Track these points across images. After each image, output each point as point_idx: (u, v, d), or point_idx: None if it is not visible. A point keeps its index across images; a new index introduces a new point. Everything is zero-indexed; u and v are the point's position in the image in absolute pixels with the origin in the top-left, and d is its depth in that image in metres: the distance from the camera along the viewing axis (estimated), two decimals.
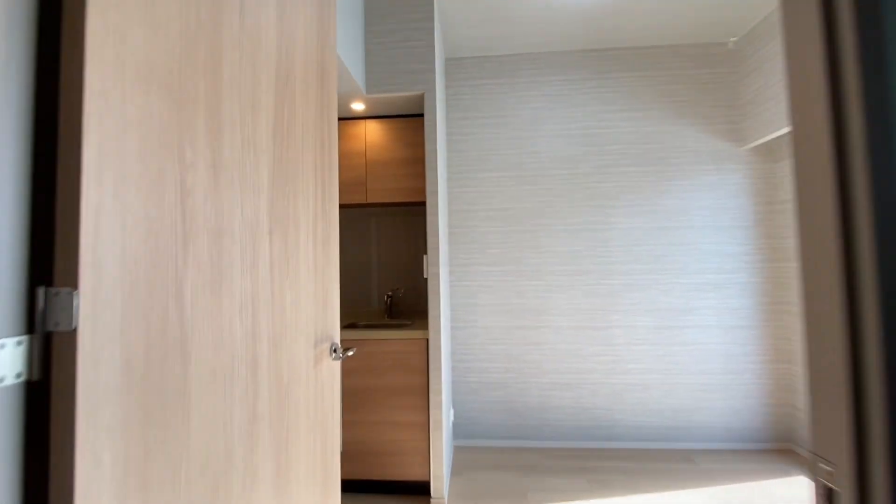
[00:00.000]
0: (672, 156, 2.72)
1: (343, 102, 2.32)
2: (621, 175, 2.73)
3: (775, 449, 2.59)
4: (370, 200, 2.49)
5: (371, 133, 2.51)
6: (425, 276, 2.15)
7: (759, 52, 2.53)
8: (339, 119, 2.55)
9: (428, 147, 2.14)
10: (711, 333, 2.66)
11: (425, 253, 2.68)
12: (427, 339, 2.16)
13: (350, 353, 1.20)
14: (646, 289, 2.69)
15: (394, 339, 2.19)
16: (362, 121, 2.52)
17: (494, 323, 2.76)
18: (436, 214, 2.13)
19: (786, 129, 2.37)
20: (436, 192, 2.13)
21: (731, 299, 2.66)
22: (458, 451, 2.65)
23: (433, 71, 2.16)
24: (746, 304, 2.66)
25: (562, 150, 2.77)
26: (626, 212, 2.72)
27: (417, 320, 2.57)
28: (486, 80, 2.83)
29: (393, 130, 2.51)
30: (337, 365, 1.21)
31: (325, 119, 1.16)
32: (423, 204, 2.65)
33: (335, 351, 1.16)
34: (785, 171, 2.58)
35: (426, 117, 2.15)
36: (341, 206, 2.71)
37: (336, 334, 1.21)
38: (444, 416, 2.15)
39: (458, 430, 2.75)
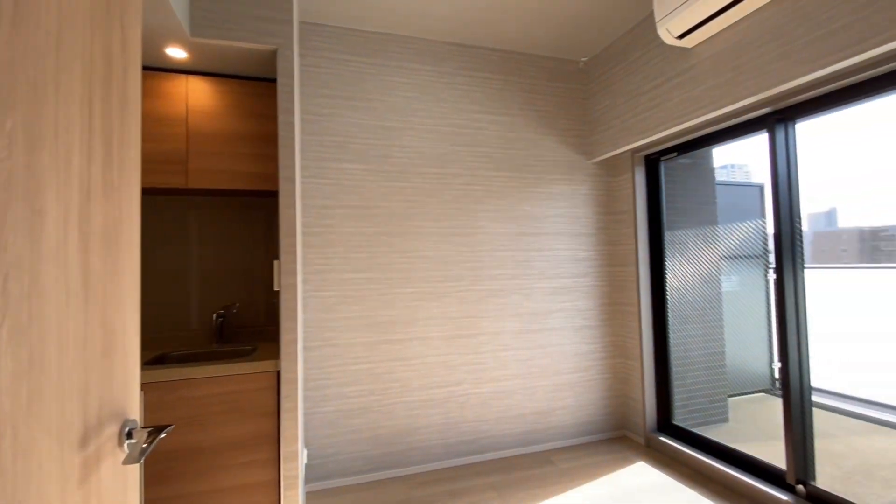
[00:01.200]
0: (532, 164, 2.77)
1: (151, 44, 1.64)
2: (489, 179, 2.66)
3: (615, 437, 2.85)
4: (192, 185, 1.84)
5: (197, 94, 1.86)
6: (276, 288, 1.65)
7: (605, 74, 2.76)
8: (145, 68, 1.82)
9: (283, 119, 1.65)
10: (565, 335, 2.79)
11: (276, 257, 2.14)
12: (278, 371, 1.66)
13: (163, 435, 0.70)
14: (510, 294, 2.67)
15: (229, 374, 1.62)
16: (183, 76, 1.85)
17: (357, 339, 2.37)
18: (293, 207, 1.66)
19: (625, 148, 2.63)
20: (293, 180, 1.66)
21: (580, 301, 2.84)
22: (311, 498, 2.17)
23: (291, 23, 1.68)
24: (592, 306, 2.87)
25: (432, 147, 2.55)
26: (493, 216, 2.66)
27: (261, 345, 2.02)
28: (351, 56, 2.43)
29: (229, 95, 1.91)
30: (133, 469, 0.70)
31: (113, 55, 0.65)
32: (268, 194, 2.10)
33: (130, 437, 0.66)
34: (622, 185, 2.87)
35: (281, 81, 1.66)
36: (146, 191, 1.95)
37: (132, 405, 0.71)
38: (300, 468, 1.68)
39: (312, 472, 2.26)
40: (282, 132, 1.64)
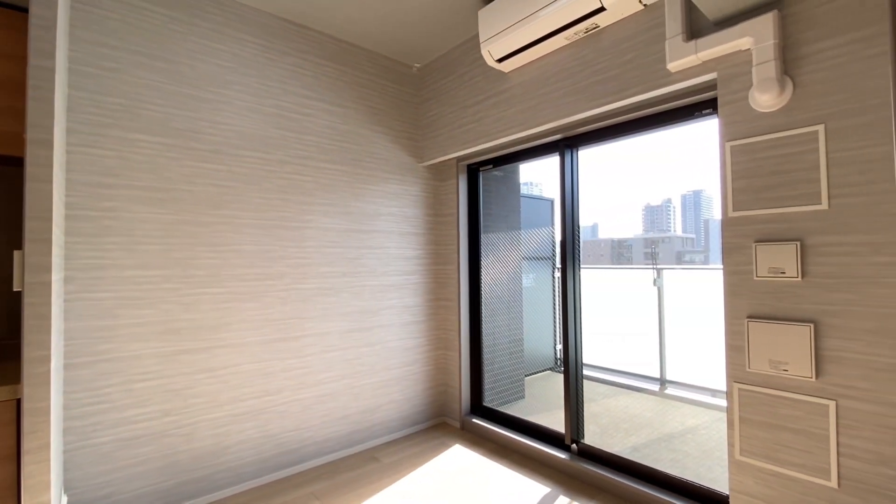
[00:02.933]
0: (365, 160, 2.74)
1: None
2: (319, 170, 2.52)
3: (436, 425, 3.04)
4: None
5: None
6: (16, 288, 1.22)
7: (436, 83, 2.92)
8: None
9: (36, 63, 1.23)
10: (392, 331, 2.85)
11: (18, 247, 1.61)
12: (19, 400, 1.23)
13: None
14: (339, 292, 2.59)
15: None
16: None
17: (146, 350, 1.94)
18: (49, 181, 1.25)
19: (451, 156, 2.83)
20: (49, 145, 1.25)
21: (408, 298, 2.94)
22: None
23: None
24: (419, 302, 3.00)
25: (254, 129, 2.28)
26: (324, 210, 2.53)
27: None
28: (152, 6, 1.98)
29: None
30: None
31: None
32: (9, 161, 1.56)
33: None
34: (448, 190, 3.08)
35: (35, 12, 1.23)
36: None
37: None
38: None
39: None
40: (33, 80, 1.21)
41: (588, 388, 4.18)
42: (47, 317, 1.24)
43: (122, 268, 1.89)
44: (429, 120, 2.97)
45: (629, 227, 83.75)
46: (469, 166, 3.04)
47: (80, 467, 1.78)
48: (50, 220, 1.25)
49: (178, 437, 2.01)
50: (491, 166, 2.92)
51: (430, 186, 3.11)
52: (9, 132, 1.44)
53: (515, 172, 3.81)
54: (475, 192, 3.06)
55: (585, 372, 4.43)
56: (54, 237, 1.30)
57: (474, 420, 2.88)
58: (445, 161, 3.06)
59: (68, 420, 1.76)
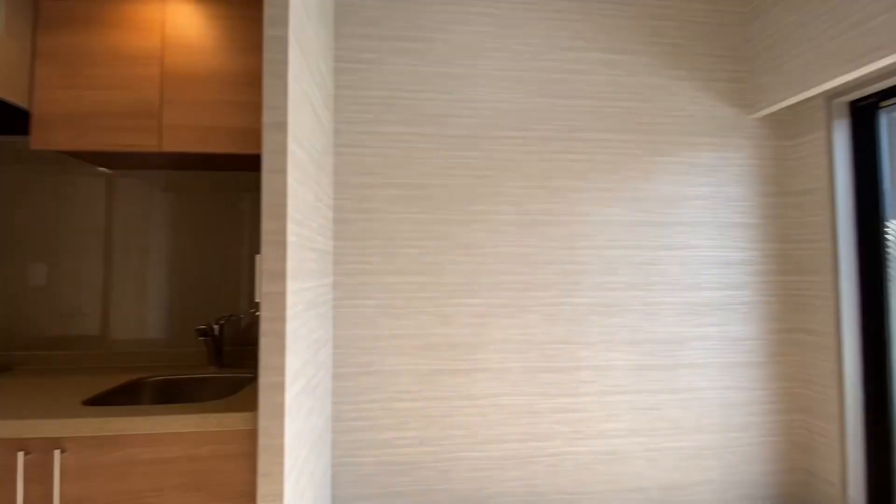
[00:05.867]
0: (660, 121, 1.90)
1: None
2: (593, 144, 1.86)
3: None
4: (167, 147, 1.32)
5: (179, 22, 1.35)
6: (257, 298, 1.05)
7: None
8: None
9: (271, 34, 1.05)
10: (708, 375, 1.88)
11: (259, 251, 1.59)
12: (254, 430, 1.06)
13: None
14: (625, 311, 1.84)
15: (180, 431, 1.05)
16: None
17: (405, 366, 1.73)
18: (283, 172, 1.05)
19: (815, 90, 1.65)
20: (283, 128, 1.05)
21: (733, 325, 1.90)
22: None
23: None
24: (752, 333, 1.91)
25: (512, 101, 1.82)
26: (599, 198, 1.85)
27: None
28: None
29: (219, 20, 1.37)
30: None
31: None
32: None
33: None
34: (806, 151, 1.87)
35: None
36: (108, 160, 1.50)
37: None
38: None
39: None
40: (268, 54, 1.05)
41: None
42: (282, 334, 1.03)
43: (381, 273, 1.73)
44: (769, 41, 1.86)
45: None
46: (856, 104, 1.76)
47: (343, 486, 1.67)
48: (284, 217, 1.04)
49: (435, 471, 1.72)
50: None
51: (769, 149, 1.97)
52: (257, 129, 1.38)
53: None
54: (869, 148, 1.74)
55: None
56: (294, 238, 1.10)
57: None
58: (802, 103, 1.87)
59: (336, 433, 1.68)
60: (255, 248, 1.70)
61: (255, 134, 1.35)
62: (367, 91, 1.75)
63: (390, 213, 1.74)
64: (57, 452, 1.02)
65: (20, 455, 1.01)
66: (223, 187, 1.68)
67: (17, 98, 1.27)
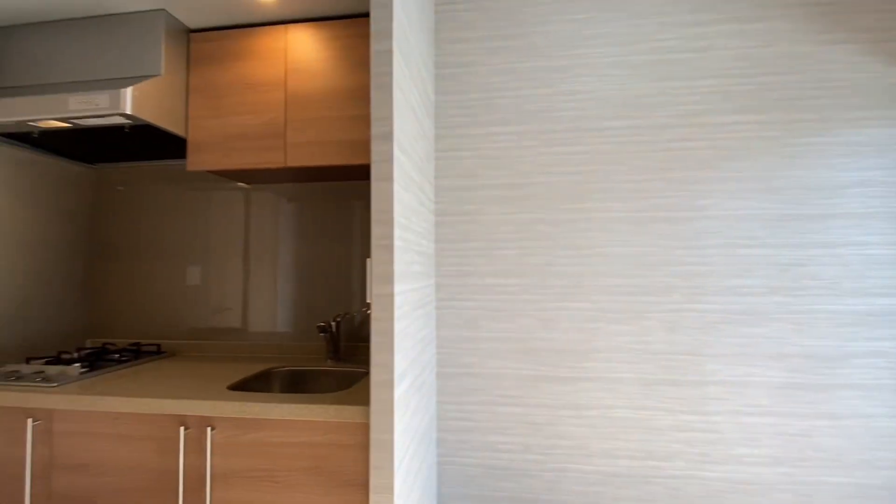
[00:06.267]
0: (808, 95, 1.60)
1: None
2: (720, 129, 1.63)
3: None
4: (291, 162, 1.47)
5: (297, 47, 1.50)
6: (368, 299, 1.11)
7: None
8: (238, 26, 1.54)
9: (378, 48, 1.10)
10: (878, 400, 1.53)
11: (369, 255, 1.68)
12: (367, 424, 1.12)
13: None
14: (766, 321, 1.58)
15: (305, 419, 1.15)
16: (281, 27, 1.51)
17: (506, 370, 1.70)
18: (390, 179, 1.09)
19: None
20: (389, 138, 1.09)
21: None
22: None
23: None
24: None
25: (620, 89, 1.69)
26: (728, 189, 1.62)
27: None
28: None
29: (332, 41, 1.49)
30: None
31: None
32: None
33: None
34: None
35: (375, 14, 1.11)
36: (242, 177, 1.70)
37: None
38: None
39: None
40: (375, 67, 1.10)
41: None
42: (391, 333, 1.07)
43: (482, 275, 1.72)
44: None
45: None
46: None
47: (447, 485, 1.70)
48: (391, 223, 1.08)
49: (541, 480, 1.66)
50: None
51: None
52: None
53: None
54: None
55: None
56: (399, 242, 1.14)
57: None
58: None
59: (441, 431, 1.71)
60: (366, 251, 1.81)
61: (365, 145, 1.43)
62: (465, 94, 1.76)
63: (489, 215, 1.72)
64: (209, 429, 1.19)
65: (181, 429, 1.20)
66: (338, 196, 1.82)
67: (176, 128, 1.52)
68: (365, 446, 1.13)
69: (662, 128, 1.65)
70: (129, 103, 1.32)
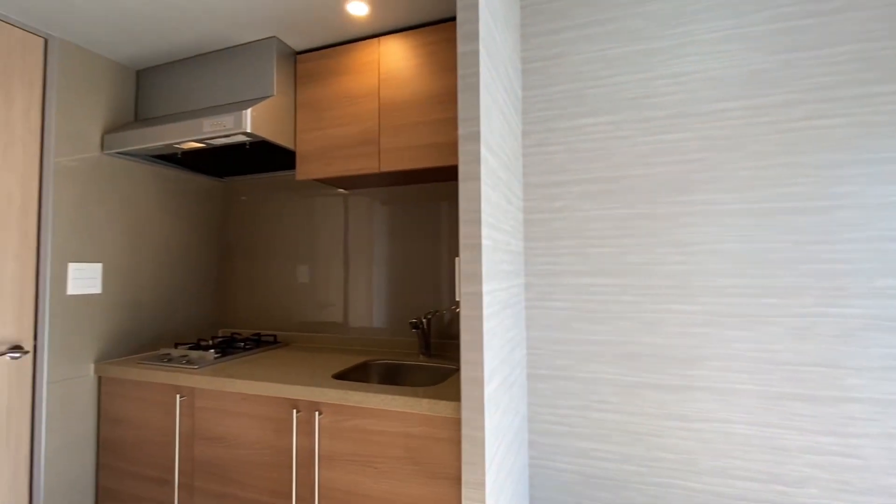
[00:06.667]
0: None
1: (331, 6, 1.42)
2: (859, 102, 1.38)
3: None
4: (385, 167, 1.55)
5: (388, 58, 1.57)
6: (458, 297, 1.13)
7: None
8: (334, 44, 1.66)
9: (464, 50, 1.12)
10: None
11: (458, 253, 1.68)
12: (458, 419, 1.14)
13: None
14: None
15: (401, 410, 1.21)
16: (374, 41, 1.60)
17: (602, 374, 1.61)
18: (477, 178, 1.10)
19: None
20: (477, 138, 1.10)
21: None
22: None
23: None
24: None
25: (733, 66, 1.51)
26: (871, 173, 1.36)
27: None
28: None
29: (420, 48, 1.54)
30: None
31: None
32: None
33: None
34: None
35: (461, 16, 1.13)
36: (337, 181, 1.82)
37: None
38: None
39: None
40: (462, 69, 1.11)
41: None
42: (480, 331, 1.08)
43: (574, 274, 1.66)
44: None
45: None
46: None
47: (540, 488, 1.66)
48: (479, 222, 1.09)
49: (640, 494, 1.55)
50: None
51: None
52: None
53: None
54: None
55: None
56: (487, 241, 1.15)
57: None
58: None
59: (532, 433, 1.68)
60: (455, 250, 1.84)
61: (452, 147, 1.46)
62: (553, 87, 1.70)
63: (581, 211, 1.65)
64: (317, 413, 1.31)
65: (294, 413, 1.33)
66: (426, 198, 1.89)
67: (287, 142, 1.69)
68: (457, 441, 1.15)
69: (787, 105, 1.44)
70: (248, 123, 1.50)
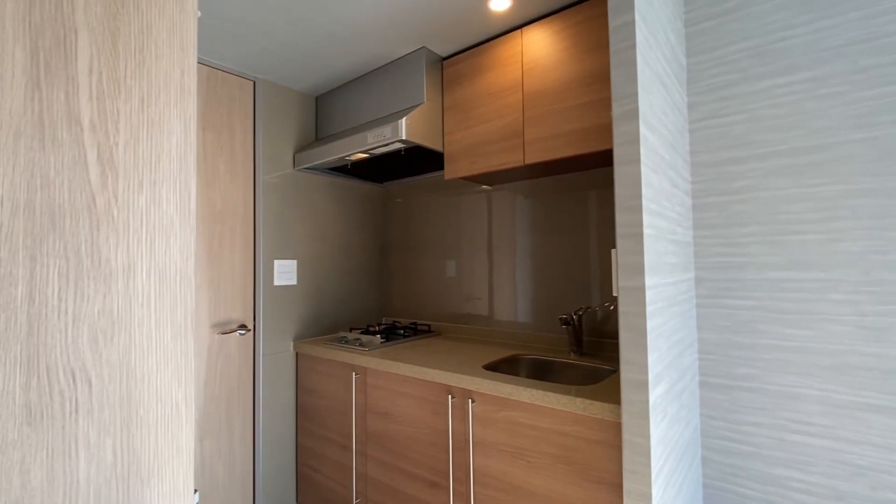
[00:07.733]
0: None
1: (473, 4, 1.45)
2: None
3: None
4: (529, 160, 1.52)
5: (531, 48, 1.54)
6: (615, 293, 1.05)
7: None
8: (477, 44, 1.68)
9: (616, 23, 1.03)
10: None
11: (614, 246, 1.55)
12: (619, 423, 1.06)
13: None
14: None
15: (553, 407, 1.18)
16: (517, 33, 1.58)
17: (806, 390, 1.32)
18: (637, 161, 1.00)
19: None
20: (634, 116, 1.00)
21: None
22: None
23: None
24: None
25: None
26: None
27: (616, 366, 1.46)
28: None
29: (563, 32, 1.46)
30: None
31: None
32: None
33: None
34: None
35: None
36: (482, 177, 1.83)
37: None
38: None
39: None
40: (615, 44, 1.02)
41: None
42: (643, 331, 0.98)
43: (760, 267, 1.39)
44: None
45: None
46: None
47: None
48: (640, 209, 0.99)
49: None
50: None
51: None
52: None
53: None
54: None
55: None
56: (651, 231, 1.04)
57: None
58: None
59: (706, 450, 1.47)
60: (604, 243, 1.72)
61: (599, 130, 1.36)
62: (728, 47, 1.45)
63: (771, 190, 1.37)
64: (469, 401, 1.36)
65: (449, 398, 1.41)
66: (570, 189, 1.80)
67: (436, 145, 1.79)
68: (616, 446, 1.07)
69: None
70: (403, 130, 1.64)
